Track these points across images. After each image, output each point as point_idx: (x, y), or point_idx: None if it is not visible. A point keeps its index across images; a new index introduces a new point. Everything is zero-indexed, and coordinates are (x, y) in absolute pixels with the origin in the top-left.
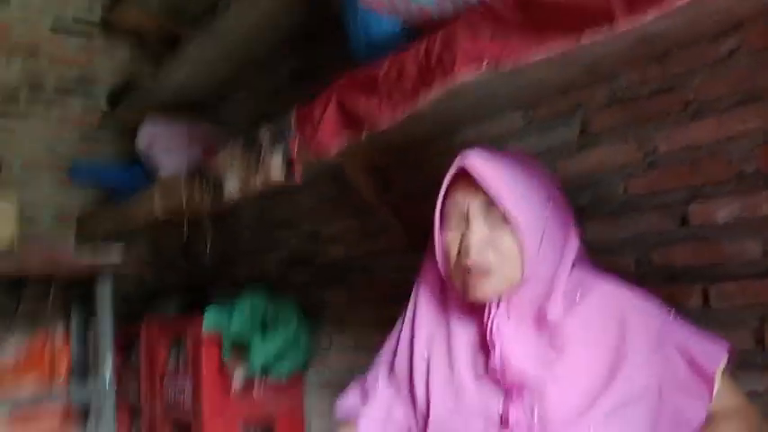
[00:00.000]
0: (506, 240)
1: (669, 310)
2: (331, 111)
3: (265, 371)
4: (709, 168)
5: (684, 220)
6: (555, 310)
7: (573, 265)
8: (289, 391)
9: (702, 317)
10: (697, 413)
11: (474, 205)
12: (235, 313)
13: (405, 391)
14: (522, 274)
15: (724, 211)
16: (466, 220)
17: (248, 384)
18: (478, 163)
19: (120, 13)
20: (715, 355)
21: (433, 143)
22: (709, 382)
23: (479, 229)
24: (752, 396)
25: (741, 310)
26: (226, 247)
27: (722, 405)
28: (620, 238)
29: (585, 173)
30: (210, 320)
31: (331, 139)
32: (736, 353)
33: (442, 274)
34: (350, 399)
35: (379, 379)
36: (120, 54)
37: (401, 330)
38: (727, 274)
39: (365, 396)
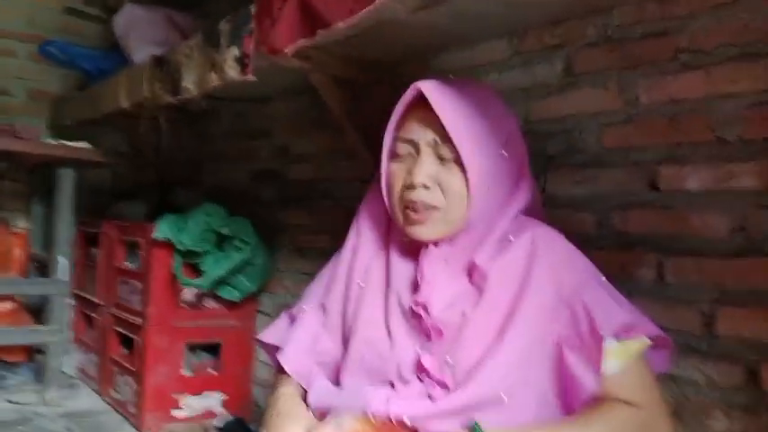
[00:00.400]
0: (454, 180)
1: (599, 274)
2: (291, 5)
3: (217, 288)
4: (687, 128)
5: (653, 184)
6: (484, 256)
7: (520, 215)
8: (240, 312)
9: (654, 290)
10: (586, 381)
11: (426, 138)
12: (188, 226)
13: (334, 322)
14: (466, 218)
15: (695, 179)
16: (416, 152)
17: (199, 300)
18: (437, 93)
19: None
20: (619, 322)
21: (409, 65)
22: (599, 347)
23: (428, 165)
24: (688, 386)
25: (694, 289)
26: (199, 149)
27: (621, 392)
28: (584, 194)
29: (560, 117)
30: (162, 231)
31: (287, 37)
32: (675, 341)
33: (386, 206)
34: (276, 326)
35: (306, 309)
36: None
37: (337, 262)
38: (687, 247)
39: (291, 326)
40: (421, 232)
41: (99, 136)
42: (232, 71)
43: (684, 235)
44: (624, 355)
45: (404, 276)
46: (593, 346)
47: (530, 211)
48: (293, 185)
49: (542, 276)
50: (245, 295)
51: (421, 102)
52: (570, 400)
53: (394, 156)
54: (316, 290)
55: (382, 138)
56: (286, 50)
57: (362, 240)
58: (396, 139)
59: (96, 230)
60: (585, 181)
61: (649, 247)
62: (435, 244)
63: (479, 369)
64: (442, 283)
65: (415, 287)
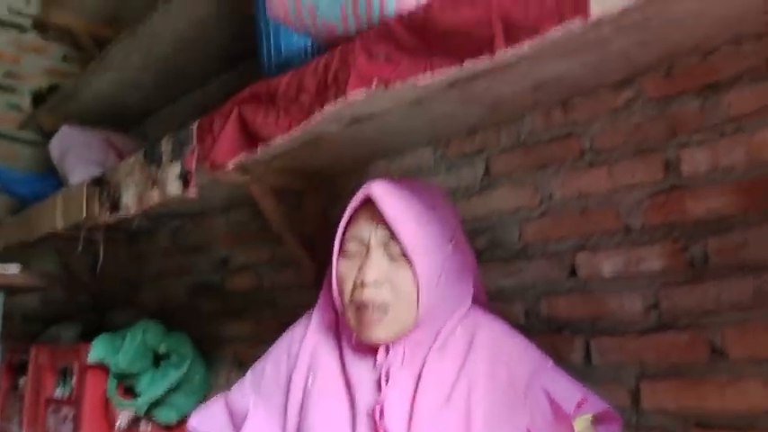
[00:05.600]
0: (404, 277)
1: (548, 359)
2: (231, 123)
3: (153, 411)
4: (597, 219)
5: (573, 271)
6: (442, 361)
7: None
8: None
9: (583, 371)
10: None
11: (375, 237)
12: (124, 346)
13: (276, 416)
14: (416, 317)
15: (609, 264)
16: (366, 250)
17: (134, 424)
18: (383, 194)
19: (54, 13)
20: (575, 398)
21: (346, 175)
22: (567, 423)
23: (378, 262)
24: None
25: (619, 367)
26: (137, 269)
27: None
28: (512, 286)
29: (485, 215)
30: (97, 352)
31: (228, 152)
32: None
33: (337, 308)
34: (212, 414)
35: (250, 402)
36: (52, 54)
37: (277, 356)
38: (607, 328)
39: (233, 419)
40: (372, 335)
41: (30, 260)
42: (173, 188)
43: (605, 317)
44: (582, 428)
45: (361, 382)
46: (564, 426)
47: (478, 301)
48: (234, 297)
49: (492, 374)
50: (182, 416)
51: (371, 201)
52: None
53: (344, 254)
54: (254, 380)
55: (323, 243)
56: (227, 165)
57: (309, 344)
58: (346, 237)
59: (24, 358)
60: (512, 273)
61: (575, 330)
62: (387, 348)
63: None
64: (397, 396)
65: (374, 394)
